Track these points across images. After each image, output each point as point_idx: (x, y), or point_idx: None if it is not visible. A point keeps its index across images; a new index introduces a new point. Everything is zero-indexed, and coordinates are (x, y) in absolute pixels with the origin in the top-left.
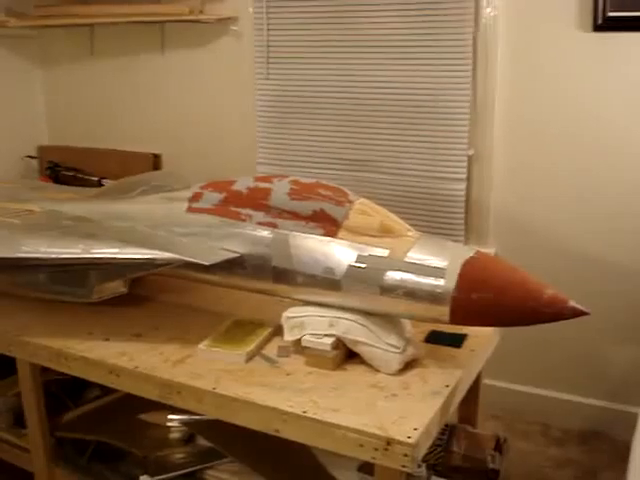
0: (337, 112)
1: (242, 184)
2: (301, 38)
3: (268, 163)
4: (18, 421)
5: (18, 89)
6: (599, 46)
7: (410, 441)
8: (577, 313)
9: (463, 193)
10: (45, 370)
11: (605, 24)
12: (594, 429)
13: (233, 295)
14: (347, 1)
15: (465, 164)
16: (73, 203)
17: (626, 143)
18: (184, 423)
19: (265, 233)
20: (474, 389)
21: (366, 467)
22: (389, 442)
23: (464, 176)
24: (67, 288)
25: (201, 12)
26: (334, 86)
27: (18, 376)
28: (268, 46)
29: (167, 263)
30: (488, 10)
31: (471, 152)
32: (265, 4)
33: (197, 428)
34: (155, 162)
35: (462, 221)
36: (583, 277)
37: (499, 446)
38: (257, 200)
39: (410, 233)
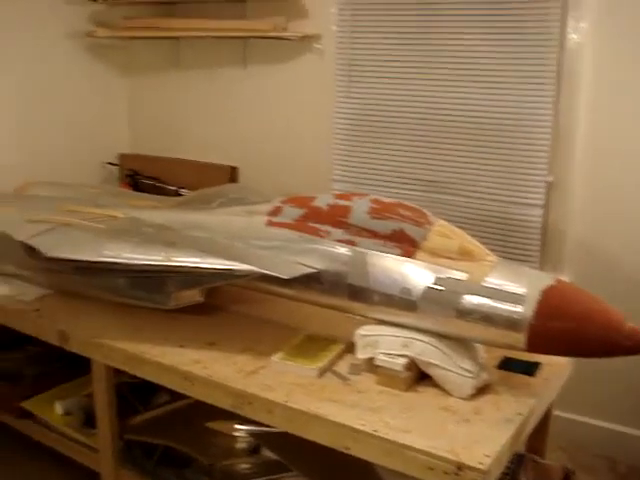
0: (415, 132)
1: (322, 201)
2: (384, 57)
3: (344, 181)
4: (88, 421)
5: (103, 97)
6: None
7: (482, 467)
8: None
9: (540, 220)
10: (117, 373)
11: None
12: None
13: (304, 309)
14: (431, 22)
15: (543, 190)
16: (154, 211)
17: None
18: (251, 434)
19: (343, 250)
20: (544, 419)
21: None
22: (460, 467)
23: (541, 202)
24: (145, 294)
25: (284, 29)
26: (414, 106)
27: (92, 377)
28: (350, 64)
29: (246, 275)
30: (574, 36)
31: (550, 178)
32: (350, 23)
33: (263, 440)
34: (232, 174)
35: (537, 248)
36: None
37: (568, 478)
38: (337, 217)
39: (489, 258)
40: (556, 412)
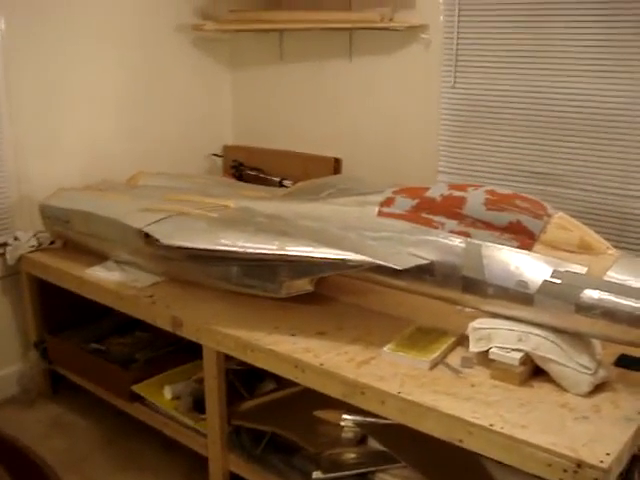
0: (524, 123)
1: (436, 191)
2: (491, 47)
3: (449, 172)
4: (196, 406)
5: (208, 90)
6: None
7: (603, 466)
8: None
9: None
10: (225, 360)
11: None
12: None
13: (412, 301)
14: (541, 12)
15: None
16: (264, 201)
17: None
18: (357, 424)
19: (457, 242)
20: None
21: None
22: (580, 464)
23: None
24: (258, 282)
25: (391, 20)
26: (523, 97)
27: (203, 363)
28: (457, 55)
29: (359, 265)
30: None
31: None
32: (457, 13)
33: (370, 430)
34: (335, 166)
35: None
36: None
37: None
38: (451, 208)
39: (610, 251)
40: None
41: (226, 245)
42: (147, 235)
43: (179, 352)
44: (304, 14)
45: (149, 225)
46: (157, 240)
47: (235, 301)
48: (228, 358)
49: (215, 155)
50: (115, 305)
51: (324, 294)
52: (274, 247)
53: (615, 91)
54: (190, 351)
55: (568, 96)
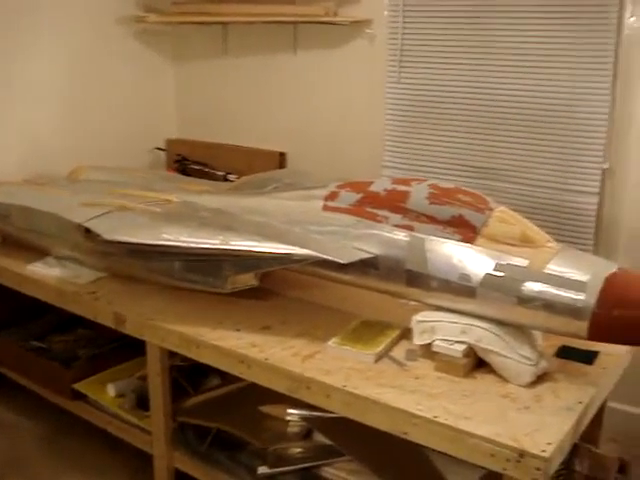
0: (468, 118)
1: (379, 185)
2: (435, 43)
3: (394, 167)
4: (140, 403)
5: (151, 83)
6: None
7: (544, 455)
8: None
9: (595, 207)
10: (168, 356)
11: None
12: None
13: (359, 295)
14: (484, 7)
15: (598, 177)
16: (208, 195)
17: None
18: (303, 418)
19: (401, 236)
20: (599, 409)
21: (489, 478)
22: (522, 454)
23: (597, 190)
24: (201, 277)
25: (335, 14)
26: (466, 92)
27: (147, 359)
28: (402, 50)
29: (303, 259)
30: (632, 19)
31: (606, 166)
32: (401, 8)
33: (316, 424)
34: (280, 160)
35: (591, 236)
36: None
37: (624, 469)
38: (395, 202)
39: (550, 244)
40: (609, 403)
41: (169, 240)
42: (88, 230)
43: (122, 349)
44: (248, 7)
45: (90, 220)
46: (98, 235)
47: (179, 297)
48: (172, 354)
49: (158, 149)
50: (56, 302)
51: (269, 289)
52: (218, 242)
53: (555, 86)
54: (133, 348)
55: (510, 91)
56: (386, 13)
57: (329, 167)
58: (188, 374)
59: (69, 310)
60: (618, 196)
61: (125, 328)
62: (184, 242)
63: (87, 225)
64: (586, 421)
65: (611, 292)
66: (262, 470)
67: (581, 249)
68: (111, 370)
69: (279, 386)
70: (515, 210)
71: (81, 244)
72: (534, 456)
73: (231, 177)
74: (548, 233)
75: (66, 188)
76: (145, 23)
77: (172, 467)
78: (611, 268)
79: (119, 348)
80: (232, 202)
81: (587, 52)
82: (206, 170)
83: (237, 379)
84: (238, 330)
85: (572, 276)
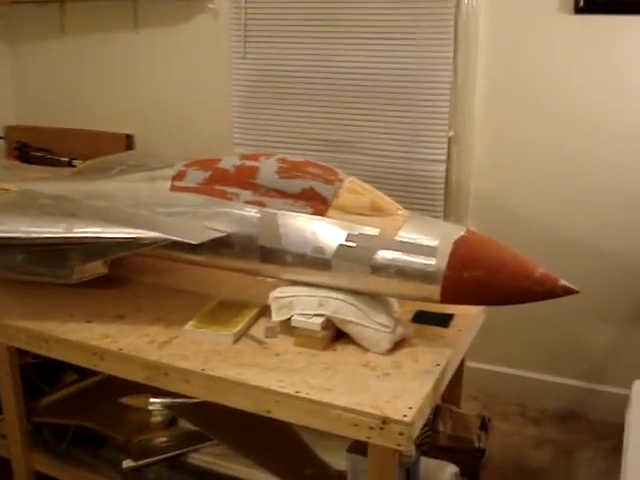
0: (315, 92)
1: (228, 162)
2: (279, 17)
3: (245, 144)
4: None
5: None
6: (581, 29)
7: (406, 420)
8: (567, 291)
9: (443, 175)
10: (19, 354)
11: (586, 7)
12: (571, 409)
13: (216, 275)
14: None
15: (445, 146)
16: (50, 182)
17: (607, 124)
18: (166, 406)
19: (252, 212)
20: (458, 369)
21: (357, 447)
22: (385, 421)
23: (444, 158)
24: (46, 269)
25: None
26: (313, 66)
27: None
28: (245, 25)
29: (153, 242)
30: None
31: (451, 133)
32: None
33: (179, 411)
34: (128, 143)
35: (441, 203)
36: (561, 257)
37: (484, 426)
38: (244, 178)
39: (400, 212)
40: (468, 363)
41: (6, 231)
42: None
43: None
44: None
45: None
46: None
47: (24, 291)
48: (23, 352)
49: None
50: None
51: (121, 276)
52: (61, 230)
53: (398, 57)
54: None
55: (355, 63)
56: None
57: (180, 148)
58: (43, 371)
59: None
60: (464, 162)
61: None
62: (23, 232)
63: None
64: (445, 382)
65: (460, 255)
66: (127, 464)
67: (433, 216)
68: None
69: (136, 376)
70: (367, 181)
71: None
72: (396, 422)
73: (76, 162)
74: (400, 202)
75: None
76: None
77: (32, 470)
78: (460, 232)
79: None
80: (75, 188)
81: (429, 22)
82: (49, 157)
83: (95, 373)
84: (90, 321)
85: (422, 242)
